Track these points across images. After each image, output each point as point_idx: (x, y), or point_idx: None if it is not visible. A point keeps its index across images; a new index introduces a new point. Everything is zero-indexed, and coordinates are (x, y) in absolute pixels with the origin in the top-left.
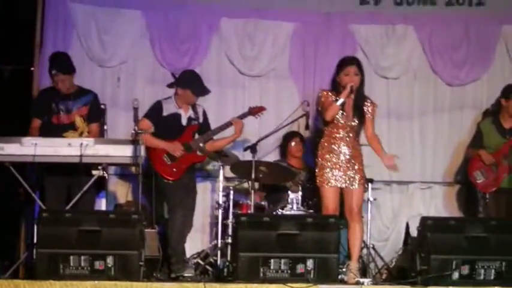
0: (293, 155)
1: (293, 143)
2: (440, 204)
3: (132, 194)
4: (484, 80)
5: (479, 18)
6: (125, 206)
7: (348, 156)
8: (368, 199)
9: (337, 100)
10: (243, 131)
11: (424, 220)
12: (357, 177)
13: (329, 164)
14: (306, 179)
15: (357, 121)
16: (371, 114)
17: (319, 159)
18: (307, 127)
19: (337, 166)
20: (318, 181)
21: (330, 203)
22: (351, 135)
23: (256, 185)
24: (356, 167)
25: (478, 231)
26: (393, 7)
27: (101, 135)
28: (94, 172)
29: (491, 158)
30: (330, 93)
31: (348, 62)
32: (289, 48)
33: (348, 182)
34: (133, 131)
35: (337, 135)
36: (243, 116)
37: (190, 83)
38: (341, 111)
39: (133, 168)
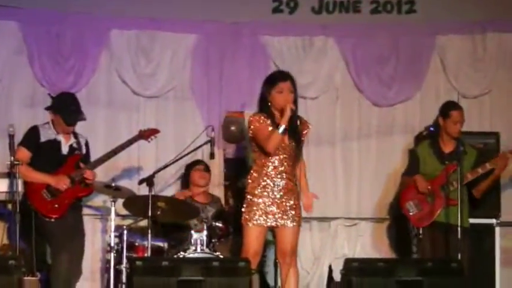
0: (197, 185)
1: (197, 174)
2: (367, 243)
3: (8, 236)
4: (417, 100)
5: (410, 28)
6: None
7: (282, 189)
8: None
9: (278, 127)
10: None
11: (348, 262)
12: (291, 213)
13: (260, 200)
14: (213, 217)
15: (294, 144)
16: (304, 136)
17: (248, 193)
18: (212, 156)
19: (270, 202)
20: (243, 218)
21: (252, 245)
22: (286, 163)
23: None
24: (292, 202)
25: (410, 274)
26: (311, 16)
27: None
28: None
29: (427, 185)
30: (262, 117)
31: (281, 77)
32: (190, 64)
33: (282, 219)
34: (8, 162)
35: (270, 164)
36: (132, 141)
37: (62, 108)
38: None
39: (9, 206)
